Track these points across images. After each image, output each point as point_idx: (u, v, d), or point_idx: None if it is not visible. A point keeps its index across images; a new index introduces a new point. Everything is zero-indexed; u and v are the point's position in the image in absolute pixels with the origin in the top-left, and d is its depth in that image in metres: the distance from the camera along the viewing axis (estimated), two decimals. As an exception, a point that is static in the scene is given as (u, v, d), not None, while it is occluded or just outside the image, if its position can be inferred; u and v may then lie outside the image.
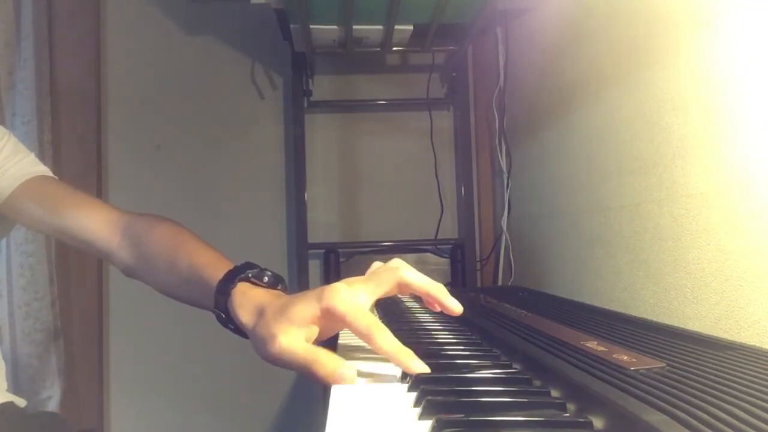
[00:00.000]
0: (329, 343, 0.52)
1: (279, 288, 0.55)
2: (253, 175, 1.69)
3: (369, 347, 0.51)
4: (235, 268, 0.56)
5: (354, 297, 0.46)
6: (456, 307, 0.51)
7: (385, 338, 0.44)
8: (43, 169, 0.82)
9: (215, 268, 0.57)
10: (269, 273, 0.56)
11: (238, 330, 0.53)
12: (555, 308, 0.82)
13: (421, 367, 0.43)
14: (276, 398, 1.63)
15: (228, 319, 0.54)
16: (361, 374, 0.47)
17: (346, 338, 0.59)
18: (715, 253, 0.71)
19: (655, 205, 0.85)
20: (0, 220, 0.82)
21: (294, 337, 0.46)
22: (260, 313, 0.50)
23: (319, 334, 0.48)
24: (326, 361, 0.43)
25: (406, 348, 0.44)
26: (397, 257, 0.53)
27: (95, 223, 0.74)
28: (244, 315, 0.51)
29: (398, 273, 0.49)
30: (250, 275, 0.55)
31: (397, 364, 0.44)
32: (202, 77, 1.69)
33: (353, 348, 0.56)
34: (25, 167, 0.79)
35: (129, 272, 0.73)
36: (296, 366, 0.45)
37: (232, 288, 0.54)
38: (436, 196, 1.68)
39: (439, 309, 0.52)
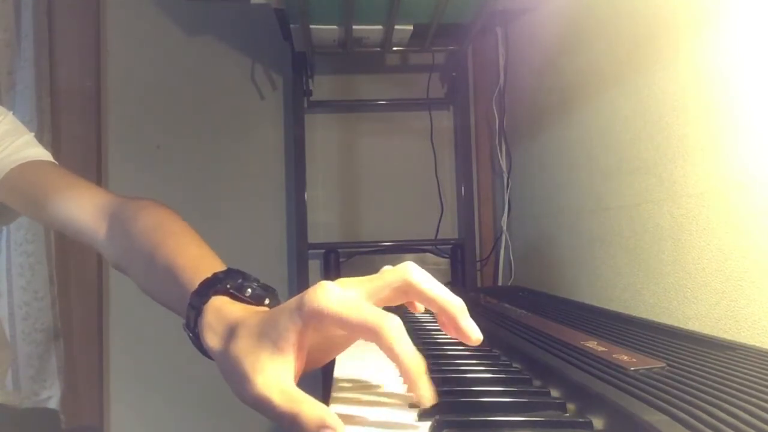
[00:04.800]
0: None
1: (266, 303, 0.44)
2: (253, 175, 1.69)
3: (366, 381, 0.46)
4: (213, 277, 0.44)
5: (347, 291, 0.36)
6: (474, 333, 0.39)
7: (397, 337, 0.33)
8: (37, 153, 0.75)
9: (194, 272, 0.47)
10: (255, 284, 0.44)
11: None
12: (555, 308, 0.82)
13: (428, 395, 0.34)
14: (276, 398, 1.63)
15: (200, 342, 0.43)
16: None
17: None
18: (715, 253, 0.71)
19: (655, 205, 0.85)
20: (2, 208, 0.77)
21: (273, 377, 0.35)
22: (230, 334, 0.39)
23: (313, 357, 0.39)
24: (309, 414, 0.33)
25: (419, 361, 0.34)
26: (408, 261, 0.41)
27: (83, 211, 0.66)
28: (212, 338, 0.40)
29: (406, 274, 0.38)
30: (228, 286, 0.43)
31: (405, 380, 0.34)
32: (202, 77, 1.69)
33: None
34: (15, 152, 0.73)
35: (115, 266, 0.65)
36: (271, 417, 0.35)
37: (205, 302, 0.42)
38: (436, 196, 1.68)
39: (454, 333, 0.40)
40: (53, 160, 0.77)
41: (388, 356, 0.34)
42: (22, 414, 0.83)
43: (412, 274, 0.38)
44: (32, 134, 0.78)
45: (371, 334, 0.33)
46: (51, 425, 0.86)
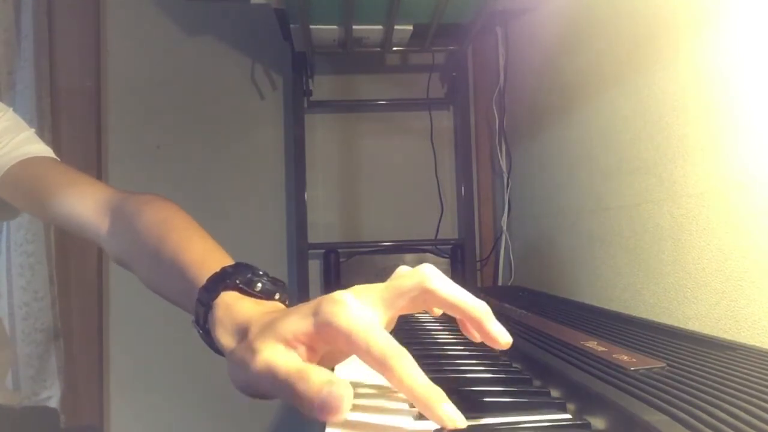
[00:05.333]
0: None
1: (276, 298, 0.43)
2: (253, 176, 1.69)
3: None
4: (222, 271, 0.44)
5: (363, 310, 0.34)
6: (503, 337, 0.37)
7: (406, 369, 0.32)
8: (38, 149, 0.74)
9: (201, 266, 0.46)
10: (265, 279, 0.43)
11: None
12: (555, 308, 0.82)
13: (454, 417, 0.32)
14: (276, 398, 1.63)
15: (210, 339, 0.42)
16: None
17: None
18: (715, 253, 0.71)
19: (655, 205, 0.85)
20: (3, 205, 0.77)
21: (278, 350, 0.34)
22: (242, 333, 0.38)
23: (317, 361, 0.37)
24: (313, 377, 0.32)
25: (435, 387, 0.32)
26: (426, 264, 0.39)
27: (85, 207, 0.65)
28: (224, 335, 0.40)
29: (424, 282, 0.37)
30: (238, 281, 0.42)
31: (423, 410, 0.32)
32: (202, 77, 1.69)
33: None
34: (16, 148, 0.72)
35: (118, 262, 0.64)
36: (276, 384, 0.33)
37: (215, 298, 0.42)
38: (436, 196, 1.68)
39: (478, 338, 0.38)
40: (54, 156, 0.76)
41: (400, 390, 0.32)
42: (22, 414, 0.83)
43: (430, 281, 0.37)
44: (33, 130, 0.77)
45: (380, 367, 0.32)
46: (51, 425, 0.86)
